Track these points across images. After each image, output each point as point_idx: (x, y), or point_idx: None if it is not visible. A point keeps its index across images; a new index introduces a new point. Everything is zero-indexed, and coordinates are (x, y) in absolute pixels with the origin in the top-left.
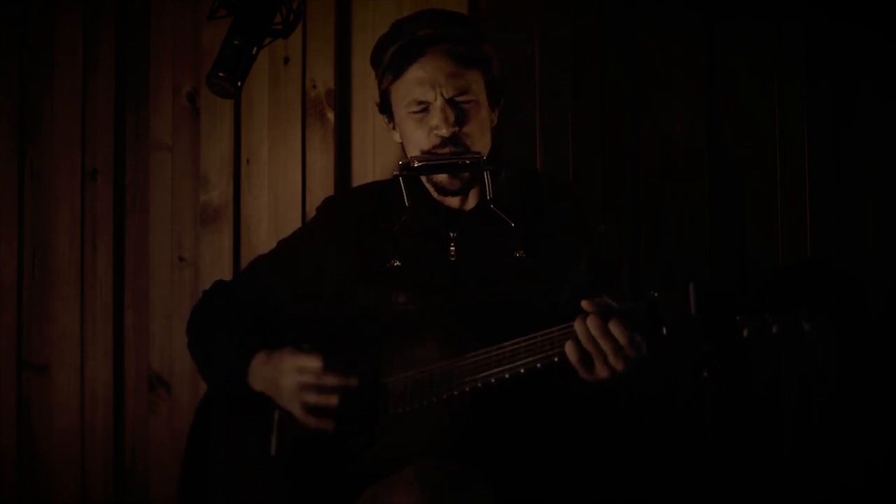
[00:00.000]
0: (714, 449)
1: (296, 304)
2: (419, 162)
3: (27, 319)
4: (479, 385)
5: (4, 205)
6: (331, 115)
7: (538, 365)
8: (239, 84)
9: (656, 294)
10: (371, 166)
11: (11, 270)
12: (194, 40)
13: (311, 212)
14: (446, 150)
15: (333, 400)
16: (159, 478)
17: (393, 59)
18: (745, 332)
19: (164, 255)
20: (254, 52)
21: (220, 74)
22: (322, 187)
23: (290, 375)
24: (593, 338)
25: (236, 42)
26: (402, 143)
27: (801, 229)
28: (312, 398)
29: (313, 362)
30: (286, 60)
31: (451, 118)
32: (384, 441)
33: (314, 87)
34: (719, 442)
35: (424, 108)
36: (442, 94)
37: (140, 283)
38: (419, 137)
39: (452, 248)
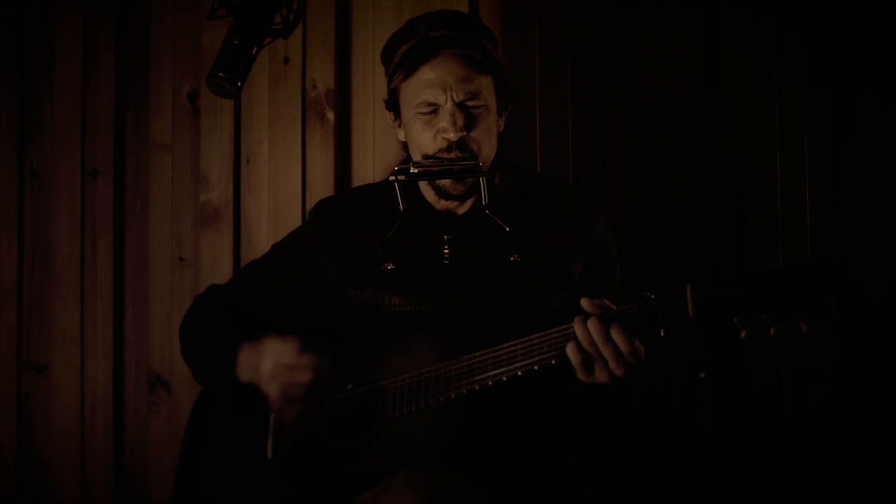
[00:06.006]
0: (711, 448)
1: (289, 307)
2: (416, 168)
3: (27, 319)
4: (477, 388)
5: (4, 205)
6: (331, 115)
7: (535, 367)
8: (239, 84)
9: (653, 296)
10: (371, 166)
11: (11, 270)
12: (194, 40)
13: None
14: (452, 154)
15: (307, 377)
16: (159, 478)
17: (405, 57)
18: (743, 334)
19: (164, 255)
20: (254, 52)
21: (220, 74)
22: (322, 187)
23: (269, 358)
24: (594, 342)
25: (236, 42)
26: (404, 142)
27: (801, 229)
28: (287, 377)
29: (290, 343)
30: (286, 60)
31: (460, 122)
32: (381, 444)
33: (314, 87)
34: (716, 441)
35: (434, 109)
36: (452, 98)
37: (140, 283)
38: (426, 139)
39: (446, 251)
